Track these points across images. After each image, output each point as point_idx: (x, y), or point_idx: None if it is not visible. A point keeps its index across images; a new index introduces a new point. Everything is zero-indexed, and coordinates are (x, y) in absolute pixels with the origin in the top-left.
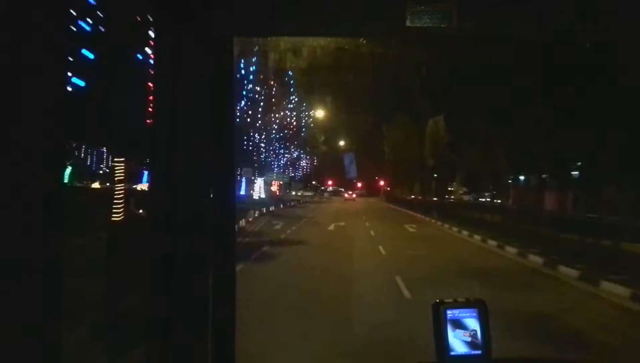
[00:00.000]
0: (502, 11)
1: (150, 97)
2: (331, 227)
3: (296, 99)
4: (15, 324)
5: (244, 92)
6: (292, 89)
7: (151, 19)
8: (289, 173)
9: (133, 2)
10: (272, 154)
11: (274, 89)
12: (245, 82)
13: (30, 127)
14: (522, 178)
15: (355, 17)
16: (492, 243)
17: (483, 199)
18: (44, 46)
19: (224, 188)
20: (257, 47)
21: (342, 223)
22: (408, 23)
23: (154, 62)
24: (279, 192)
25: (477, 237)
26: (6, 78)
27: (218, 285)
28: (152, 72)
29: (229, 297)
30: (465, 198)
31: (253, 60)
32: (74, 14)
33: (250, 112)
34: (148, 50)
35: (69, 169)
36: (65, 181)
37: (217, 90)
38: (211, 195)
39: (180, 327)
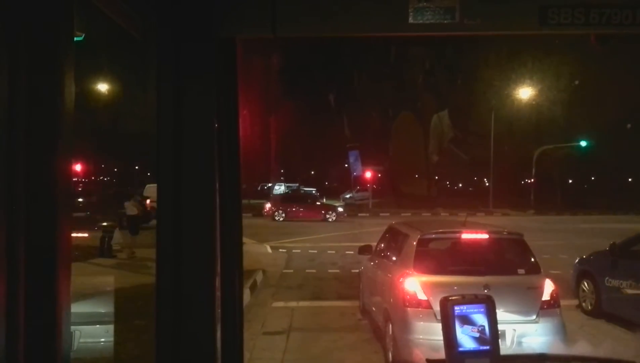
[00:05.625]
0: (506, 6)
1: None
2: None
3: None
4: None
5: None
6: None
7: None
8: None
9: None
10: None
11: None
12: None
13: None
14: None
15: (358, 15)
16: None
17: None
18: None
19: (230, 190)
20: None
21: None
22: (411, 20)
23: (156, 64)
24: None
25: None
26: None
27: (225, 286)
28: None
29: (236, 299)
30: None
31: None
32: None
33: None
34: None
35: None
36: None
37: (220, 92)
38: (217, 198)
39: (188, 325)
